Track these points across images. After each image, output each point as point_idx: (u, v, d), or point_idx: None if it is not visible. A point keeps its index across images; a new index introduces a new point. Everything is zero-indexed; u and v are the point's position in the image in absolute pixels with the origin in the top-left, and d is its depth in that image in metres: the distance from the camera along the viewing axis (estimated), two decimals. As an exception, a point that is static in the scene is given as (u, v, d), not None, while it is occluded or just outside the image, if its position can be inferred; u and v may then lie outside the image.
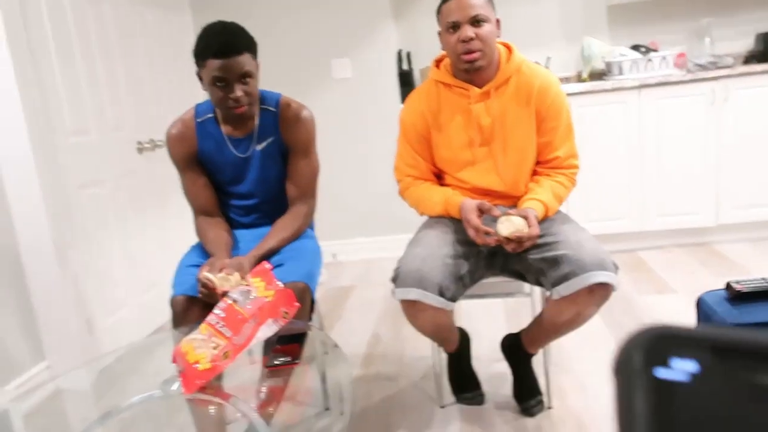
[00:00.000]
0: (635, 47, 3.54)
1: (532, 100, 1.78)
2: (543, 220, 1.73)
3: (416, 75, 3.78)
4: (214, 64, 1.63)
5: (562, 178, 1.83)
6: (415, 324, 1.72)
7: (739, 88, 3.21)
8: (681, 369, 0.27)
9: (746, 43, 3.65)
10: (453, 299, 1.67)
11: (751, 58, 3.56)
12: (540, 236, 1.65)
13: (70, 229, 2.48)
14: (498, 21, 1.76)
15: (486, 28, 1.69)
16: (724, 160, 3.29)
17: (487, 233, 1.64)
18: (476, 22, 1.68)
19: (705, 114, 3.25)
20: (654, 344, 0.28)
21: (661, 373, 0.28)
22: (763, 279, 1.08)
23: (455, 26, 1.70)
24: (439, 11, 1.75)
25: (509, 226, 1.60)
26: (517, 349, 1.93)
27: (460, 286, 1.72)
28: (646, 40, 3.67)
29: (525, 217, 1.63)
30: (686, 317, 2.37)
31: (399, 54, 3.74)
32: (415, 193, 1.89)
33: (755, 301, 1.04)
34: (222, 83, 1.65)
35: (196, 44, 1.68)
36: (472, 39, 1.68)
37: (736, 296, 1.07)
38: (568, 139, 1.84)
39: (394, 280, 1.68)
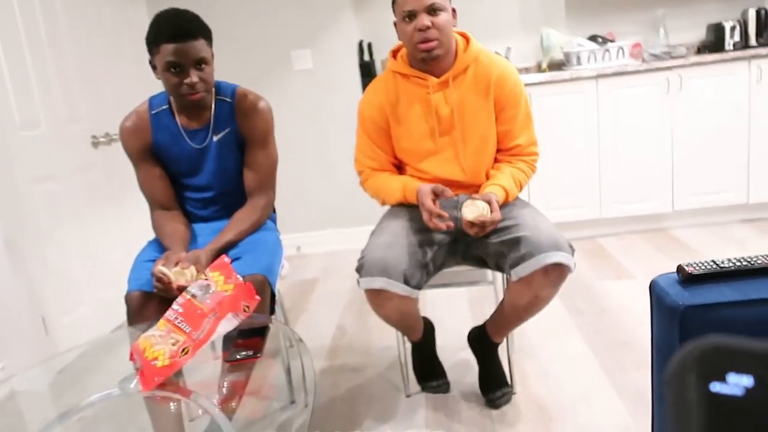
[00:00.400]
0: (593, 38, 3.60)
1: (491, 89, 1.79)
2: (503, 205, 1.75)
3: (378, 65, 3.78)
4: (167, 49, 1.59)
5: (523, 165, 1.85)
6: (380, 313, 1.72)
7: (692, 77, 3.29)
8: (736, 383, 0.27)
9: (698, 34, 3.74)
10: (418, 287, 1.67)
11: (703, 48, 3.66)
12: (501, 220, 1.67)
13: (22, 225, 2.40)
14: (454, 10, 1.76)
15: (442, 17, 1.69)
16: (679, 148, 3.38)
17: (440, 216, 1.65)
18: (432, 11, 1.67)
19: (660, 103, 3.33)
20: (709, 358, 0.28)
21: (717, 387, 0.28)
22: (713, 261, 1.10)
23: (411, 15, 1.69)
24: (394, 1, 1.74)
25: (474, 210, 1.62)
26: (483, 339, 1.95)
27: (424, 273, 1.72)
28: (603, 31, 3.74)
29: (488, 202, 1.64)
30: (643, 301, 2.43)
31: (360, 45, 3.72)
32: (374, 183, 1.89)
33: (705, 283, 1.07)
34: (176, 69, 1.61)
35: (149, 31, 1.63)
36: (428, 28, 1.67)
37: (687, 278, 1.10)
38: (527, 127, 1.86)
39: (359, 270, 1.67)
